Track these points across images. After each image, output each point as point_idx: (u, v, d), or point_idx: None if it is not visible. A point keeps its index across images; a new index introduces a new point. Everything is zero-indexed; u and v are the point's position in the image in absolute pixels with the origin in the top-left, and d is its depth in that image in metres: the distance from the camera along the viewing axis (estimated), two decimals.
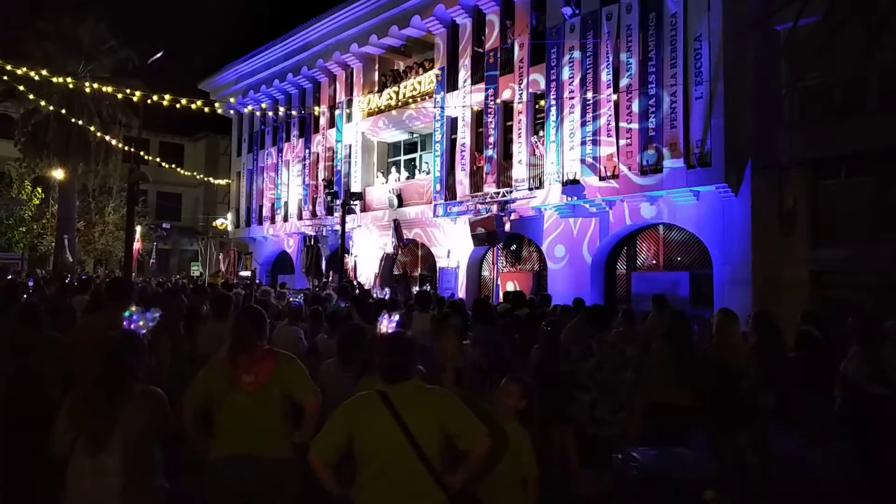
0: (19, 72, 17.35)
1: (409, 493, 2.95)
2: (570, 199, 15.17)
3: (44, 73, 18.36)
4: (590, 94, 14.83)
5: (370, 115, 22.00)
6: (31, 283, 11.61)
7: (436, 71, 19.59)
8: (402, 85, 21.02)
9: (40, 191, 30.39)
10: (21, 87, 19.83)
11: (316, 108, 24.33)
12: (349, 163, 22.99)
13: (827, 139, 12.05)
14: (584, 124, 14.91)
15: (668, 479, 3.74)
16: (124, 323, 3.76)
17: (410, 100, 20.48)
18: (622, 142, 14.21)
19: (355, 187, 22.01)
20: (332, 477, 3.04)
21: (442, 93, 19.21)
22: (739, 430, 5.82)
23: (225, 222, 30.63)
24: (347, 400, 3.22)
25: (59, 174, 26.31)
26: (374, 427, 2.99)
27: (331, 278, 19.37)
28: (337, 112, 23.50)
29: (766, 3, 12.76)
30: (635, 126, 13.98)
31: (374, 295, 13.40)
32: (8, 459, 4.63)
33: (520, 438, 3.50)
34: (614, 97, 14.45)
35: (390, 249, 19.77)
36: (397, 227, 19.60)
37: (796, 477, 6.53)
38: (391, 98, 21.24)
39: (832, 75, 12.15)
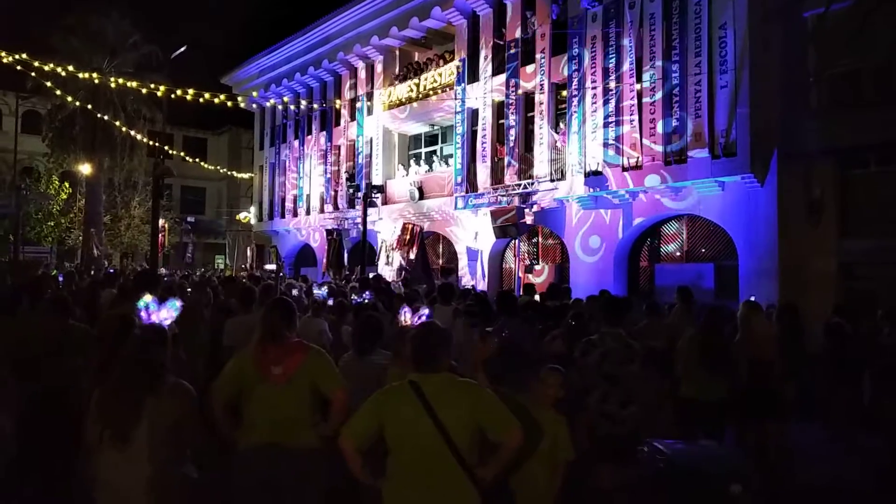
0: (47, 68, 17.61)
1: (439, 483, 2.95)
2: (592, 190, 15.06)
3: (70, 68, 18.62)
4: (612, 84, 14.68)
5: (391, 107, 22.01)
6: (61, 278, 11.80)
7: (456, 62, 19.54)
8: (422, 77, 21.00)
9: (67, 185, 30.89)
10: (48, 83, 20.13)
11: (337, 101, 24.41)
12: (370, 155, 23.05)
13: (855, 128, 11.82)
14: (606, 114, 14.78)
15: (694, 472, 3.70)
16: (142, 315, 3.77)
17: (431, 92, 20.45)
18: (645, 132, 14.06)
19: (376, 180, 22.08)
20: (360, 462, 3.07)
21: (462, 84, 19.15)
22: (765, 421, 5.76)
23: (248, 216, 30.90)
24: (380, 389, 3.25)
25: (85, 169, 26.71)
26: (405, 416, 3.00)
27: (354, 272, 19.46)
28: (358, 105, 23.56)
29: None
30: (659, 116, 13.82)
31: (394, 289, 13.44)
32: (41, 448, 4.73)
33: (556, 425, 3.59)
34: (637, 87, 14.30)
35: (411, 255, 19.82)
36: (413, 236, 19.58)
37: (819, 470, 6.44)
38: (412, 90, 21.23)
39: (861, 62, 11.90)
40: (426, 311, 4.69)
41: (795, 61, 12.72)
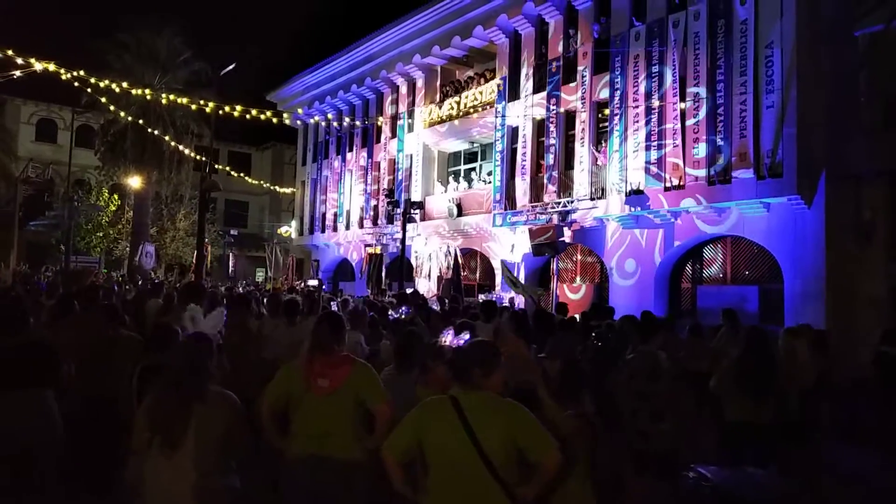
0: (102, 84, 18.26)
1: (476, 500, 2.95)
2: (633, 209, 14.90)
3: (125, 85, 19.27)
4: (655, 103, 14.56)
5: (431, 125, 22.19)
6: (115, 289, 12.13)
7: (497, 81, 19.62)
8: (463, 95, 21.14)
9: (117, 198, 31.84)
10: (103, 99, 20.85)
11: (379, 119, 24.72)
12: (410, 172, 23.23)
13: None
14: (648, 133, 14.66)
15: (740, 498, 3.63)
16: (188, 325, 3.87)
17: (471, 110, 20.57)
18: (688, 151, 13.89)
19: (416, 196, 22.22)
20: (401, 476, 3.08)
21: (503, 102, 19.22)
22: (809, 447, 5.62)
23: (289, 230, 31.37)
24: (421, 402, 3.27)
25: (135, 182, 27.52)
26: (442, 432, 3.01)
27: (391, 287, 19.58)
28: (399, 122, 23.81)
29: (849, 8, 12.28)
30: (702, 135, 13.65)
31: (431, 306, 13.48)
32: (88, 452, 4.86)
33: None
34: (681, 106, 14.15)
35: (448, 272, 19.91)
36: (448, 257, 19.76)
37: (867, 499, 6.21)
38: (452, 108, 21.38)
39: None
40: (467, 336, 4.69)
41: (845, 81, 12.43)
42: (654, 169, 14.50)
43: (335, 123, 26.63)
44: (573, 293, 17.36)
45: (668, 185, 14.19)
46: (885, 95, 12.08)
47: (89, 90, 19.85)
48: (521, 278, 18.39)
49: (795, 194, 12.32)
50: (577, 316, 10.54)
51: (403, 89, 23.94)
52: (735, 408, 5.57)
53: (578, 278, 17.98)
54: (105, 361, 5.04)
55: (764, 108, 12.74)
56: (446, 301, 13.69)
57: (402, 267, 18.85)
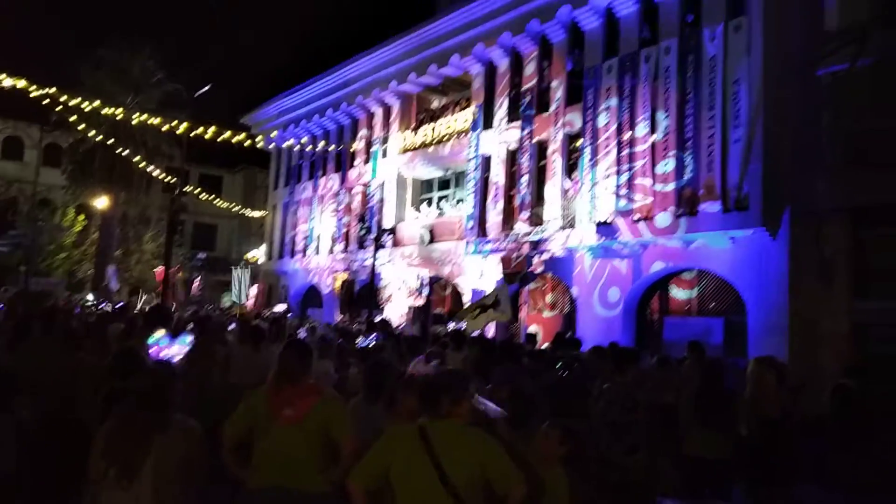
0: (73, 103, 18.01)
1: None
2: (602, 239, 15.06)
3: (97, 104, 19.03)
4: (626, 136, 14.83)
5: (405, 151, 22.28)
6: (77, 311, 11.84)
7: (472, 109, 19.83)
8: (437, 123, 21.32)
9: (83, 218, 31.21)
10: (73, 118, 20.57)
11: (353, 144, 24.73)
12: (382, 198, 23.23)
13: (870, 187, 11.76)
14: (619, 165, 14.89)
15: None
16: (152, 350, 3.79)
17: (446, 137, 20.72)
18: (658, 184, 14.13)
19: (388, 223, 22.20)
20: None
21: (477, 131, 19.41)
22: (779, 483, 5.64)
23: (257, 255, 31.00)
24: (388, 431, 3.24)
25: (102, 202, 27.05)
26: (409, 461, 2.98)
27: (361, 314, 19.44)
28: (373, 148, 23.87)
29: (814, 48, 12.65)
30: (671, 168, 13.91)
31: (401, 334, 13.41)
32: (44, 478, 4.68)
33: (556, 486, 3.44)
34: (651, 138, 14.42)
35: (420, 301, 19.90)
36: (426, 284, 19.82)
37: None
38: (427, 135, 21.52)
39: (876, 122, 11.94)
40: (436, 364, 4.67)
41: (810, 118, 12.76)
42: (622, 200, 14.70)
43: (309, 148, 26.56)
44: (542, 322, 17.39)
45: (636, 216, 14.39)
46: (847, 134, 12.42)
47: (59, 108, 19.56)
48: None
49: (761, 226, 12.56)
50: (545, 346, 10.55)
51: (378, 115, 24.05)
52: (693, 442, 5.59)
53: (547, 307, 18.02)
54: (65, 387, 4.89)
55: (731, 143, 13.04)
56: (415, 328, 13.63)
57: (371, 294, 18.74)
